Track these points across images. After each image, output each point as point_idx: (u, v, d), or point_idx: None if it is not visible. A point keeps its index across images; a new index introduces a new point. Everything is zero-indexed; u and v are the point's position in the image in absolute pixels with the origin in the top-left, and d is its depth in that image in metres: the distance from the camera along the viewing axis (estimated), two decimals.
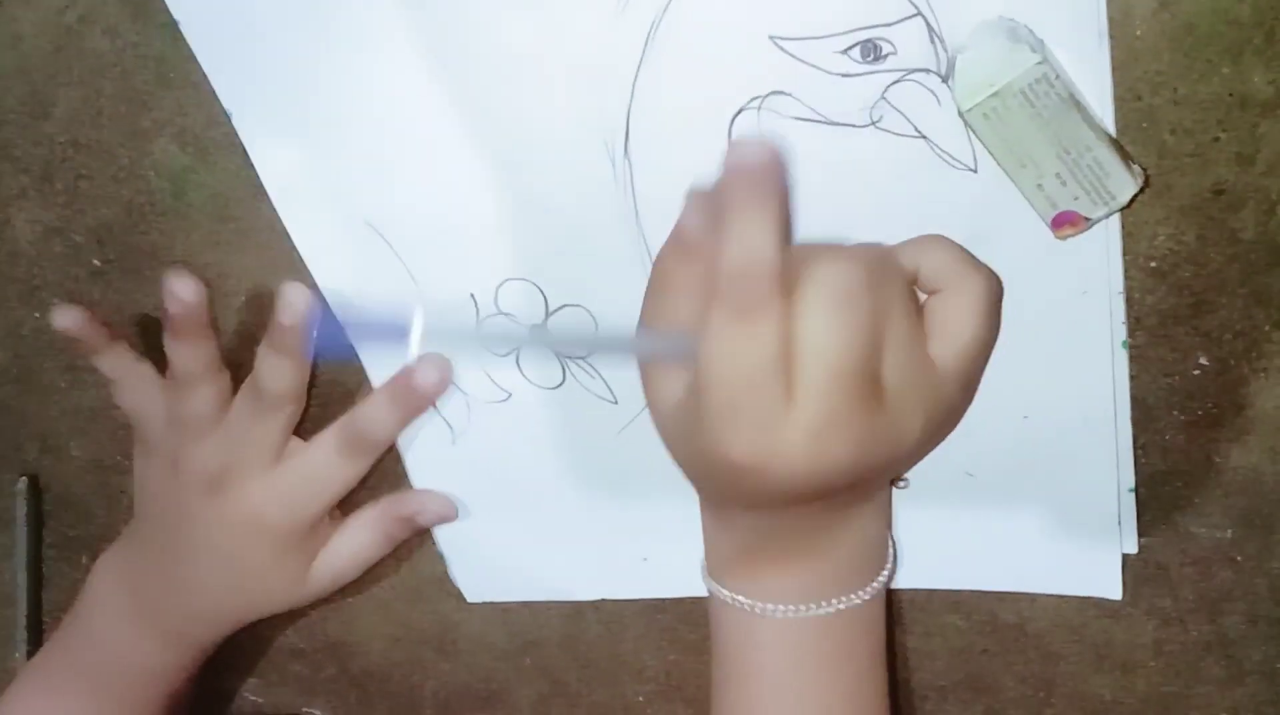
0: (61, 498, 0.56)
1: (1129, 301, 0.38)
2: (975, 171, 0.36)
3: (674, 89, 0.38)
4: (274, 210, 0.44)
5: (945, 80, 0.35)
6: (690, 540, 0.43)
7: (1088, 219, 0.35)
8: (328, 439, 0.46)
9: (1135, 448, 0.40)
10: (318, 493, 0.47)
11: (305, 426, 0.47)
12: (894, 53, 0.35)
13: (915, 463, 0.41)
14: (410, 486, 0.49)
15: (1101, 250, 0.37)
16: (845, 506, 0.39)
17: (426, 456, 0.48)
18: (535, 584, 0.50)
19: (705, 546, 0.42)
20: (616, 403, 0.44)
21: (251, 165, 0.44)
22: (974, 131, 0.35)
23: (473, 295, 0.44)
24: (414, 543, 0.51)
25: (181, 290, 0.44)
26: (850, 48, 0.35)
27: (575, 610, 0.51)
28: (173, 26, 0.42)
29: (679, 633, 0.50)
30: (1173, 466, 0.40)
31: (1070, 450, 0.40)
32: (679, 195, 0.39)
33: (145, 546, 0.50)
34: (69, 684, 0.50)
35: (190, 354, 0.45)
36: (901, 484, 0.43)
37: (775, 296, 0.32)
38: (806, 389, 0.32)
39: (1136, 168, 0.35)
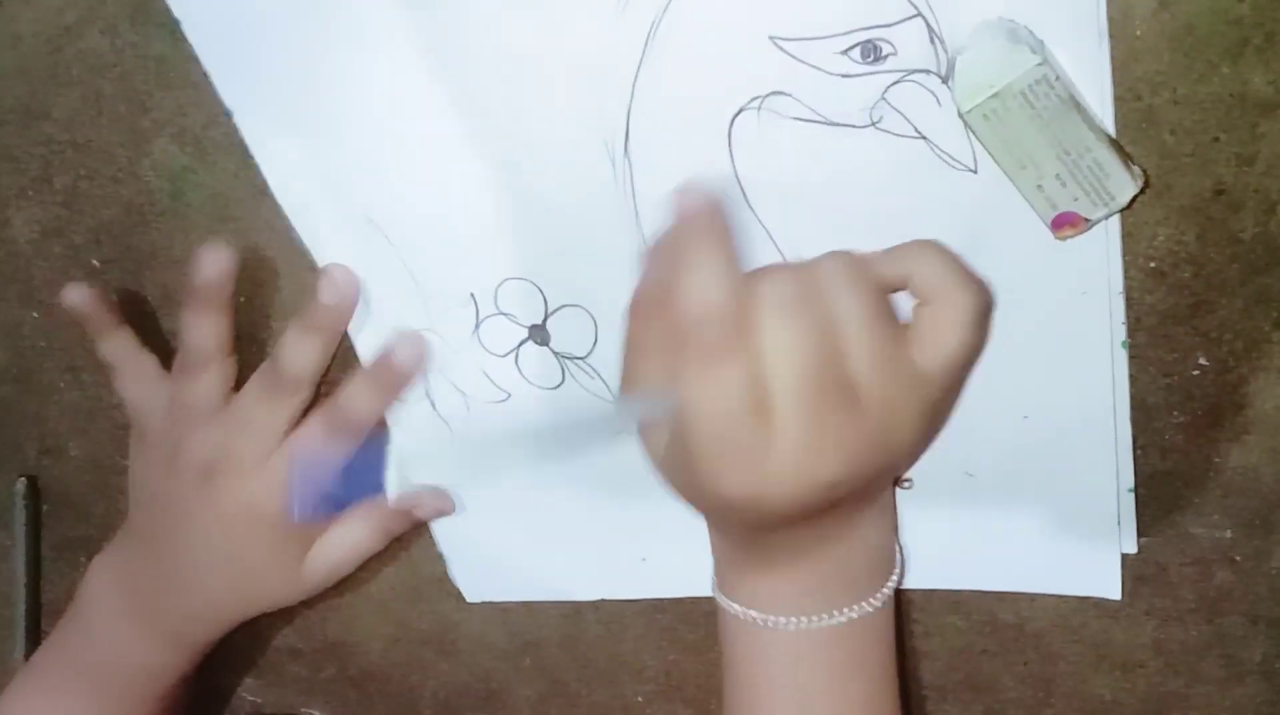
0: (60, 498, 0.56)
1: (1129, 302, 0.38)
2: (975, 172, 0.36)
3: (674, 89, 0.38)
4: (273, 211, 0.44)
5: (945, 81, 0.35)
6: (690, 540, 0.43)
7: (1087, 220, 0.35)
8: (313, 426, 0.46)
9: (1135, 448, 0.40)
10: None
11: None
12: (894, 53, 0.35)
13: (910, 463, 0.41)
14: None
15: (1101, 250, 0.37)
16: (850, 514, 0.39)
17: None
18: (535, 584, 0.50)
19: (715, 562, 0.43)
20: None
21: (250, 166, 0.44)
22: (974, 132, 0.35)
23: (473, 295, 0.44)
24: (413, 541, 0.51)
25: (215, 259, 0.44)
26: (850, 48, 0.35)
27: (575, 610, 0.51)
28: (172, 27, 0.42)
29: (679, 633, 0.50)
30: (1172, 466, 0.40)
31: (1070, 450, 0.40)
32: None
33: (140, 544, 0.50)
34: (67, 683, 0.50)
35: (206, 331, 0.45)
36: (906, 484, 0.43)
37: (734, 333, 0.33)
38: (781, 411, 0.33)
39: (1136, 169, 0.35)
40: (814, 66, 0.36)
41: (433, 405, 0.47)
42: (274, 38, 0.41)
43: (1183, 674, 0.44)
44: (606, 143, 0.39)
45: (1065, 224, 0.35)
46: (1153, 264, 0.37)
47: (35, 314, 0.51)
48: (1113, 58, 0.34)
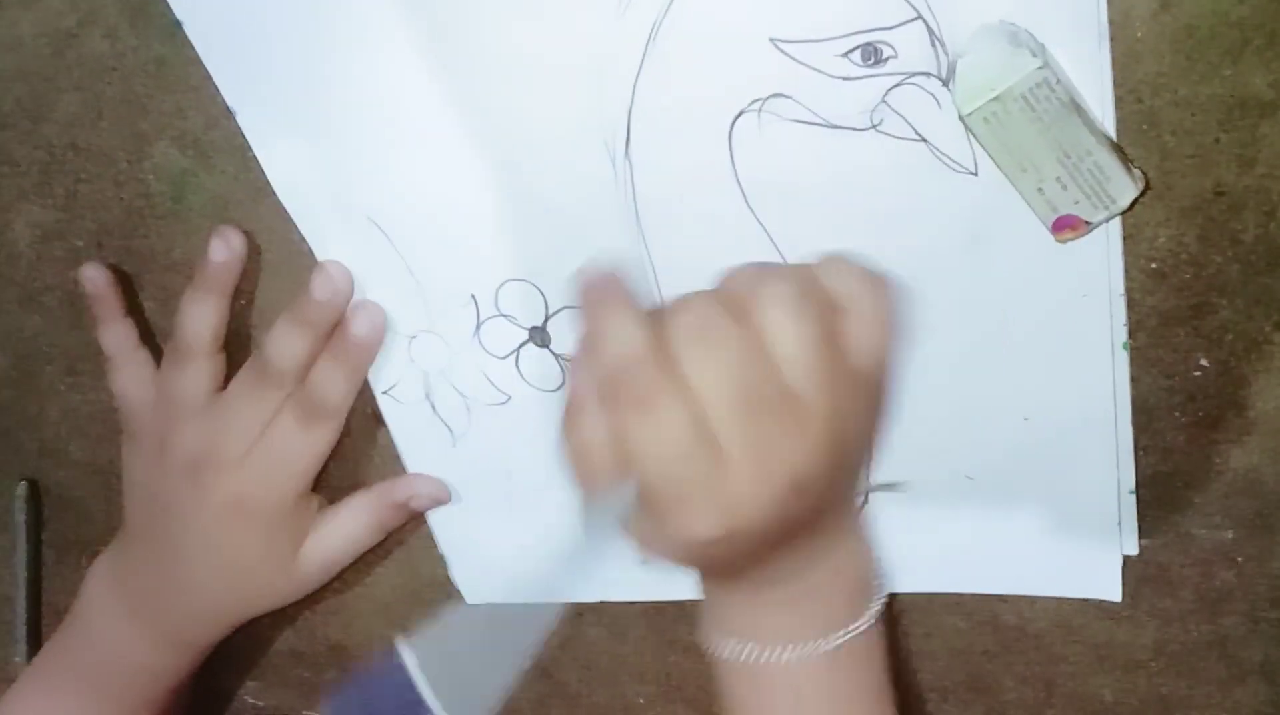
0: (61, 500, 0.56)
1: (1130, 303, 0.38)
2: (975, 175, 0.36)
3: (675, 91, 0.38)
4: (273, 214, 0.44)
5: (946, 84, 0.35)
6: None
7: (1088, 223, 0.35)
8: (285, 415, 0.46)
9: (1136, 449, 0.40)
10: (288, 468, 0.47)
11: None
12: (894, 56, 0.35)
13: (867, 453, 0.41)
14: None
15: (1102, 252, 0.37)
16: (828, 529, 0.39)
17: (426, 459, 0.48)
18: (535, 584, 0.50)
19: (706, 609, 0.42)
20: None
21: (250, 169, 0.44)
22: (974, 135, 0.35)
23: (473, 296, 0.44)
24: (413, 542, 0.51)
25: (228, 242, 0.45)
26: (851, 51, 0.35)
27: (575, 611, 0.51)
28: (172, 30, 0.42)
29: (679, 634, 0.50)
30: (1173, 467, 0.40)
31: (1071, 452, 0.40)
32: (679, 197, 0.39)
33: (136, 545, 0.50)
34: (68, 685, 0.50)
35: (204, 319, 0.45)
36: (901, 487, 0.43)
37: (659, 374, 0.33)
38: (725, 433, 0.33)
39: (1137, 172, 0.35)
40: (815, 69, 0.36)
41: (433, 407, 0.47)
42: (276, 38, 0.41)
43: (1184, 675, 0.44)
44: (607, 144, 0.39)
45: (1066, 227, 0.35)
46: (1154, 265, 0.37)
47: (35, 317, 0.51)
48: (1113, 60, 0.34)
